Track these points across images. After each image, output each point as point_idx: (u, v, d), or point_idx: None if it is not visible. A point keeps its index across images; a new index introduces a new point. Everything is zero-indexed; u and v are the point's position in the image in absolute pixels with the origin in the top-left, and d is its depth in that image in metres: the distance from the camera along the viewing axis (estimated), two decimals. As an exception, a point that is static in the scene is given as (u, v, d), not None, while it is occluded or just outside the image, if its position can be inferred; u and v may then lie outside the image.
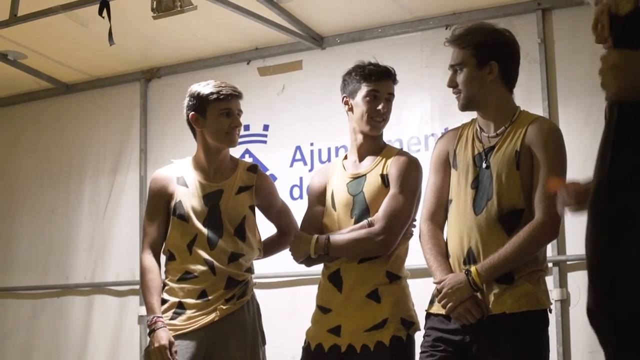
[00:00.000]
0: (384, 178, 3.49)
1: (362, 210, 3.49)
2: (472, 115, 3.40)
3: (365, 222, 3.45)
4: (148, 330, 3.60)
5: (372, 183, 3.51)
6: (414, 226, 3.55)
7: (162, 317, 3.59)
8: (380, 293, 3.41)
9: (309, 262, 3.57)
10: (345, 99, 3.60)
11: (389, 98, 3.56)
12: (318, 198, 3.66)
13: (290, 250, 3.60)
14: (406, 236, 3.52)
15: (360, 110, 3.53)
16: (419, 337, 3.41)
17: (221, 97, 3.66)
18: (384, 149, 3.61)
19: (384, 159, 3.54)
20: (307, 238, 3.51)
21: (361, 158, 3.60)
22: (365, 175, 3.54)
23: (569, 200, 2.65)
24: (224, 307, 3.59)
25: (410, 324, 3.43)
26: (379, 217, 3.42)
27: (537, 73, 4.85)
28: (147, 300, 3.66)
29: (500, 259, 3.09)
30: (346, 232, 3.47)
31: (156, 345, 3.51)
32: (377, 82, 3.52)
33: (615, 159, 1.95)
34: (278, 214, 3.88)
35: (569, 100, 4.78)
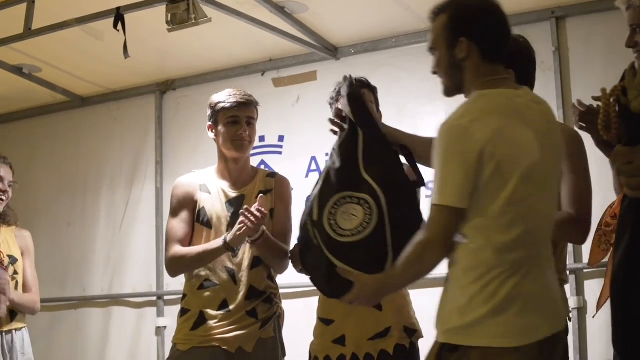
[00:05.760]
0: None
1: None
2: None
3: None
4: (226, 243, 3.50)
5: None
6: None
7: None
8: (381, 301, 3.41)
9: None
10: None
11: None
12: None
13: (290, 258, 3.58)
14: None
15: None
16: (422, 344, 3.42)
17: (227, 105, 3.67)
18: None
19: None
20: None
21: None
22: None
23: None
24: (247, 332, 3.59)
25: (413, 332, 3.45)
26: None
27: (551, 81, 4.84)
28: (203, 249, 3.58)
29: None
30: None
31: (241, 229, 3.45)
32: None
33: None
34: (279, 221, 3.71)
35: (583, 108, 4.76)
